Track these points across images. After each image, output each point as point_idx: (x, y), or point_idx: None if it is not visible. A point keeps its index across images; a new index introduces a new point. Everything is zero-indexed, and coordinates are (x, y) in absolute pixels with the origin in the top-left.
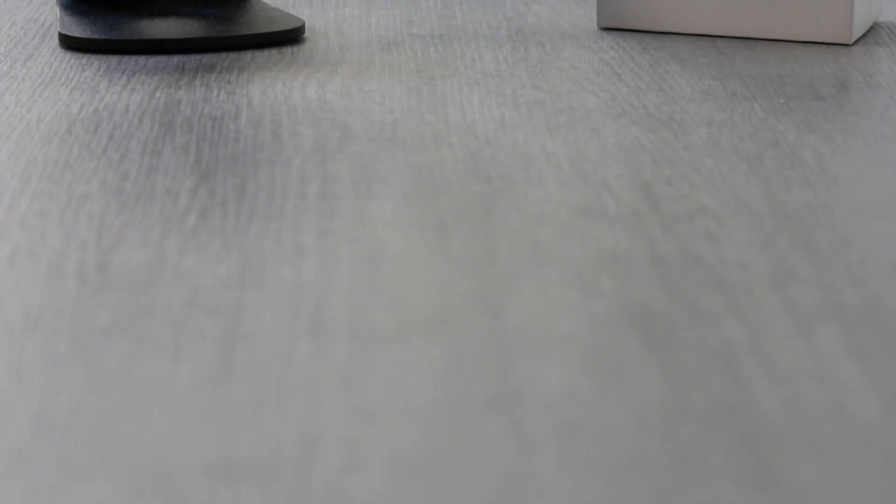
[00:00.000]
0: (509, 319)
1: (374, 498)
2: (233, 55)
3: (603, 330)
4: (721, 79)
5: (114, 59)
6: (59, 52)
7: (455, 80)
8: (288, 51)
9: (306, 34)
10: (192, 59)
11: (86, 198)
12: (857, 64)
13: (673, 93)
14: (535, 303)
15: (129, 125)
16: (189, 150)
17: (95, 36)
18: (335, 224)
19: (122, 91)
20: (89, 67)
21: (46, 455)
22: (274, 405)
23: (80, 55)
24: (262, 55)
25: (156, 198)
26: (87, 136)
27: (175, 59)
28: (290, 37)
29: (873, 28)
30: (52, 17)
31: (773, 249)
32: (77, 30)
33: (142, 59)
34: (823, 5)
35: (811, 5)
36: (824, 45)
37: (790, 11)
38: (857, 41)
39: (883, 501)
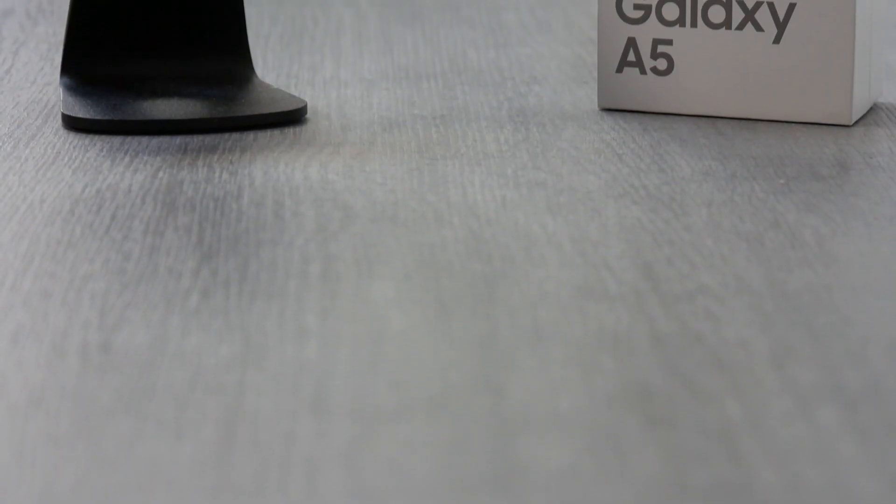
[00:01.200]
0: (510, 398)
1: None
2: (235, 135)
3: (604, 409)
4: (721, 159)
5: (117, 140)
6: (63, 132)
7: (456, 160)
8: (290, 131)
9: (308, 115)
10: (195, 140)
11: (88, 278)
12: (856, 145)
13: (673, 173)
14: (535, 382)
15: (132, 205)
16: (191, 230)
17: (98, 117)
18: (337, 304)
19: (125, 171)
20: (92, 148)
21: None
22: (276, 485)
23: (84, 136)
24: (265, 135)
25: (158, 278)
26: (90, 217)
27: (178, 140)
28: (293, 117)
29: (873, 109)
30: (56, 98)
31: (774, 329)
32: (80, 110)
33: (144, 139)
34: (823, 86)
35: (811, 86)
36: (824, 126)
37: (790, 92)
38: (857, 122)
39: None
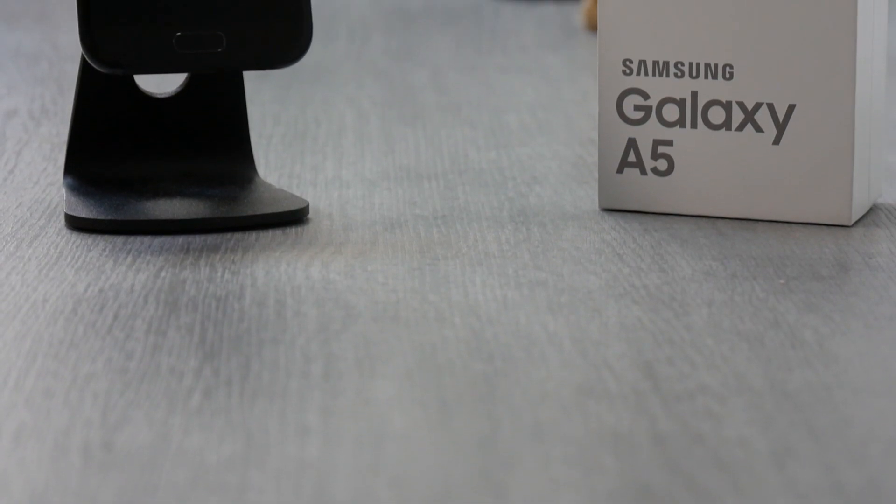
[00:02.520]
0: (512, 497)
1: None
2: (237, 235)
3: None
4: (721, 259)
5: (119, 240)
6: (66, 232)
7: (457, 260)
8: (292, 231)
9: (310, 215)
10: (197, 240)
11: (91, 377)
12: (856, 245)
13: (674, 273)
14: (537, 481)
15: (134, 305)
16: (193, 329)
17: (101, 217)
18: (338, 403)
19: (128, 271)
20: (95, 248)
21: None
22: None
23: (86, 235)
24: (267, 235)
25: (160, 377)
26: (93, 316)
27: (180, 240)
28: (295, 217)
29: (873, 209)
30: (59, 198)
31: (774, 428)
32: (83, 210)
33: (147, 239)
34: (823, 187)
35: (811, 187)
36: (824, 227)
37: (790, 193)
38: (856, 222)
39: None
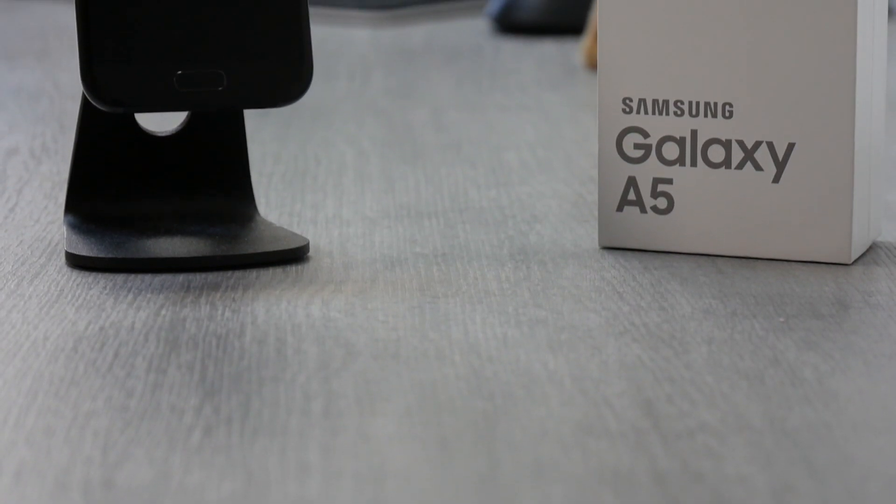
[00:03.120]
0: None
1: None
2: (238, 273)
3: None
4: (721, 298)
5: (120, 278)
6: (66, 270)
7: (458, 298)
8: (292, 269)
9: (311, 253)
10: (198, 278)
11: (91, 415)
12: (856, 283)
13: (674, 311)
14: None
15: (135, 343)
16: (194, 367)
17: (102, 255)
18: (339, 441)
19: (128, 309)
20: (96, 286)
21: None
22: None
23: (87, 273)
24: (267, 273)
25: (161, 415)
26: (93, 354)
27: (181, 278)
28: (295, 255)
29: (872, 248)
30: (59, 236)
31: (774, 466)
32: (84, 248)
33: (147, 277)
34: (823, 225)
35: (811, 225)
36: (824, 265)
37: (790, 231)
38: (856, 261)
39: None
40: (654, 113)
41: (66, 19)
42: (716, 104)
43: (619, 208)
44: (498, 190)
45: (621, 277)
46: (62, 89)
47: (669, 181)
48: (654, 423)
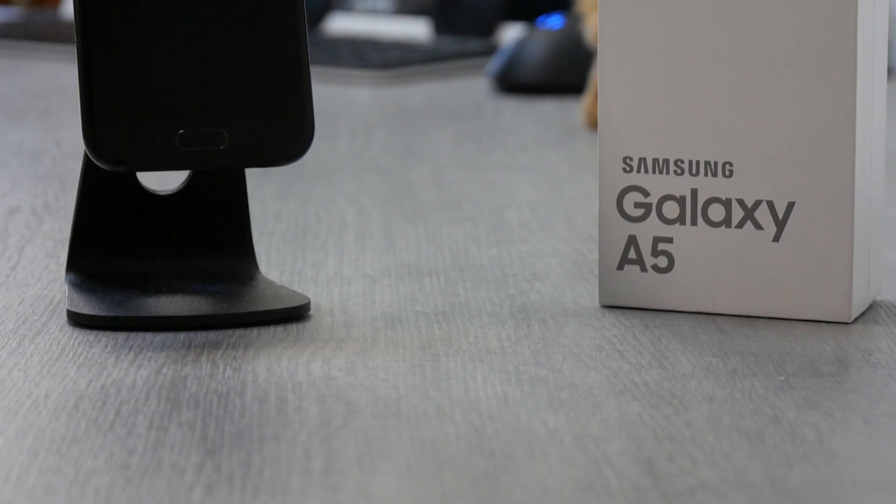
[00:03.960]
0: None
1: None
2: (239, 332)
3: None
4: (722, 356)
5: (121, 336)
6: (68, 328)
7: (458, 356)
8: (293, 328)
9: (312, 311)
10: (199, 336)
11: (92, 473)
12: (856, 342)
13: (674, 370)
14: None
15: (136, 401)
16: (195, 425)
17: (103, 313)
18: (340, 499)
19: (130, 367)
20: (97, 344)
21: None
22: None
23: (88, 332)
24: (268, 332)
25: (162, 473)
26: (95, 412)
27: (182, 336)
28: (296, 314)
29: (872, 306)
30: (61, 295)
31: None
32: (85, 307)
33: (149, 335)
34: (823, 284)
35: (811, 284)
36: (824, 324)
37: (790, 290)
38: (856, 319)
39: None
40: (654, 172)
41: (69, 79)
42: (716, 163)
43: (620, 267)
44: (499, 248)
45: (622, 336)
46: (64, 148)
47: (670, 240)
48: (655, 481)
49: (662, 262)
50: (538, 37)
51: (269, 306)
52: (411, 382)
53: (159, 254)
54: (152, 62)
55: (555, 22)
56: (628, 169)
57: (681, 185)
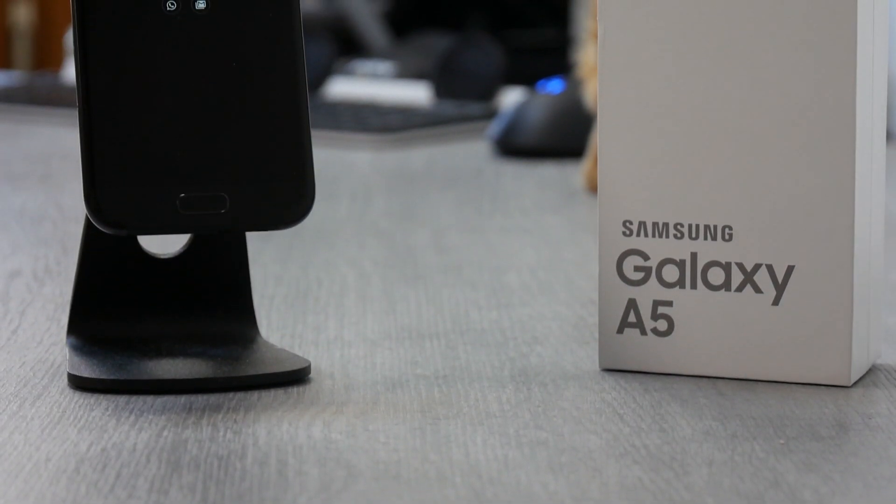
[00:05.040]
0: None
1: None
2: (239, 395)
3: None
4: (721, 419)
5: (122, 399)
6: (68, 392)
7: (459, 419)
8: (294, 391)
9: (312, 375)
10: (200, 399)
11: None
12: (855, 405)
13: (674, 433)
14: None
15: (137, 464)
16: (196, 488)
17: (104, 376)
18: None
19: (130, 430)
20: (98, 407)
21: None
22: None
23: (89, 395)
24: (269, 395)
25: None
26: (95, 475)
27: (182, 399)
28: (296, 377)
29: (872, 370)
30: (62, 358)
31: None
32: (86, 370)
33: (150, 398)
34: (822, 348)
35: (810, 348)
36: (824, 387)
37: (789, 353)
38: (855, 383)
39: None
40: (654, 235)
41: (70, 143)
42: (715, 227)
43: (620, 330)
44: (499, 312)
45: (622, 399)
46: (65, 212)
47: (669, 303)
48: None
49: (662, 325)
50: (538, 101)
51: (270, 369)
52: (412, 445)
53: (160, 317)
54: (153, 126)
55: (555, 86)
56: (628, 232)
57: (680, 249)
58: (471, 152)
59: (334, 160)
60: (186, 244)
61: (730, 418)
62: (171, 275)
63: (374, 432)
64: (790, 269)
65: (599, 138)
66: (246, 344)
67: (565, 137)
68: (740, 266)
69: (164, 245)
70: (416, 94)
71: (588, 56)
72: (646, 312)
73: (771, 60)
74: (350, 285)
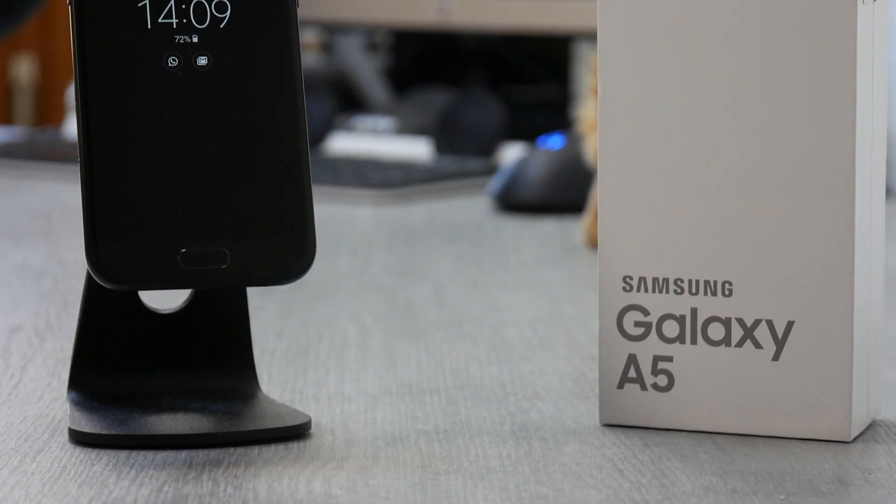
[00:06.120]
0: None
1: None
2: (240, 450)
3: None
4: (722, 475)
5: (123, 454)
6: (69, 447)
7: (459, 475)
8: (294, 446)
9: (312, 430)
10: (200, 454)
11: None
12: (855, 461)
13: (674, 488)
14: None
15: None
16: None
17: (104, 431)
18: None
19: (131, 486)
20: (98, 462)
21: None
22: None
23: (90, 450)
24: (269, 450)
25: None
26: None
27: (183, 454)
28: (297, 432)
29: (872, 425)
30: (63, 413)
31: None
32: (87, 425)
33: (150, 453)
34: (822, 403)
35: (810, 403)
36: (824, 442)
37: (789, 409)
38: (856, 438)
39: None
40: (654, 291)
41: (71, 199)
42: (715, 282)
43: (620, 386)
44: (499, 367)
45: (622, 454)
46: (66, 267)
47: (670, 359)
48: None
49: (662, 380)
50: (538, 157)
51: (271, 424)
52: (412, 501)
53: (161, 372)
54: (154, 181)
55: (555, 142)
56: (628, 288)
57: (680, 304)
58: (471, 208)
59: (335, 215)
60: (187, 299)
61: (730, 474)
62: (172, 330)
63: (375, 487)
64: (790, 325)
65: (599, 194)
66: (246, 399)
67: (565, 193)
68: (740, 321)
69: (165, 300)
70: (417, 149)
71: (588, 112)
72: (646, 368)
73: (771, 116)
74: (351, 340)
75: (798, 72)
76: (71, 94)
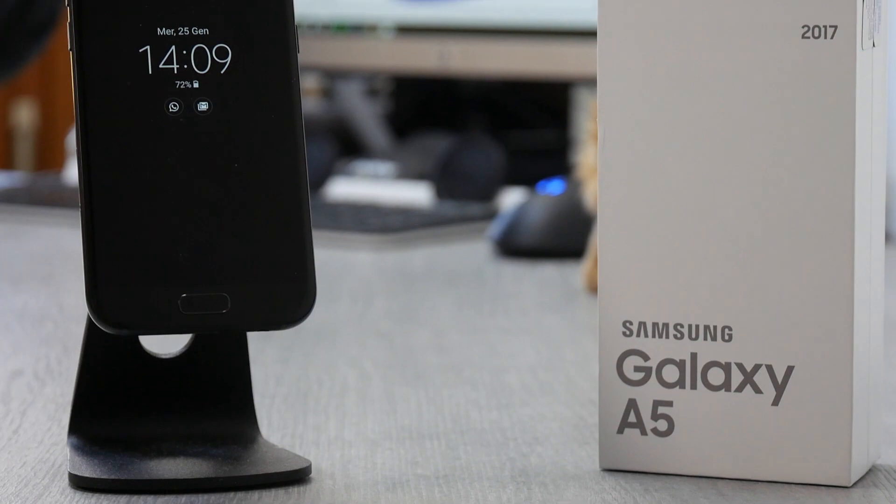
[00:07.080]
0: None
1: None
2: (240, 494)
3: None
4: None
5: (123, 499)
6: (69, 492)
7: None
8: (294, 490)
9: (312, 475)
10: (200, 499)
11: None
12: None
13: None
14: None
15: None
16: None
17: (105, 476)
18: None
19: None
20: None
21: None
22: None
23: (90, 495)
24: (269, 495)
25: None
26: None
27: (183, 499)
28: (297, 477)
29: (871, 471)
30: (63, 458)
31: None
32: (87, 470)
33: (150, 498)
34: (822, 448)
35: (810, 448)
36: (824, 487)
37: (789, 454)
38: (855, 483)
39: None
40: (653, 336)
41: (71, 244)
42: (715, 327)
43: (620, 430)
44: (499, 412)
45: (622, 499)
46: (66, 312)
47: (670, 404)
48: None
49: (662, 425)
50: (538, 202)
51: (271, 469)
52: None
53: (161, 417)
54: (155, 226)
55: (555, 187)
56: (628, 333)
57: (680, 349)
58: (471, 253)
59: (335, 260)
60: (188, 344)
61: None
62: (172, 374)
63: None
64: (790, 370)
65: (599, 239)
66: (247, 444)
67: (565, 238)
68: (740, 366)
69: (165, 345)
70: (417, 194)
71: (588, 157)
72: (646, 412)
73: (770, 162)
74: (350, 385)
75: (798, 118)
76: (72, 139)
